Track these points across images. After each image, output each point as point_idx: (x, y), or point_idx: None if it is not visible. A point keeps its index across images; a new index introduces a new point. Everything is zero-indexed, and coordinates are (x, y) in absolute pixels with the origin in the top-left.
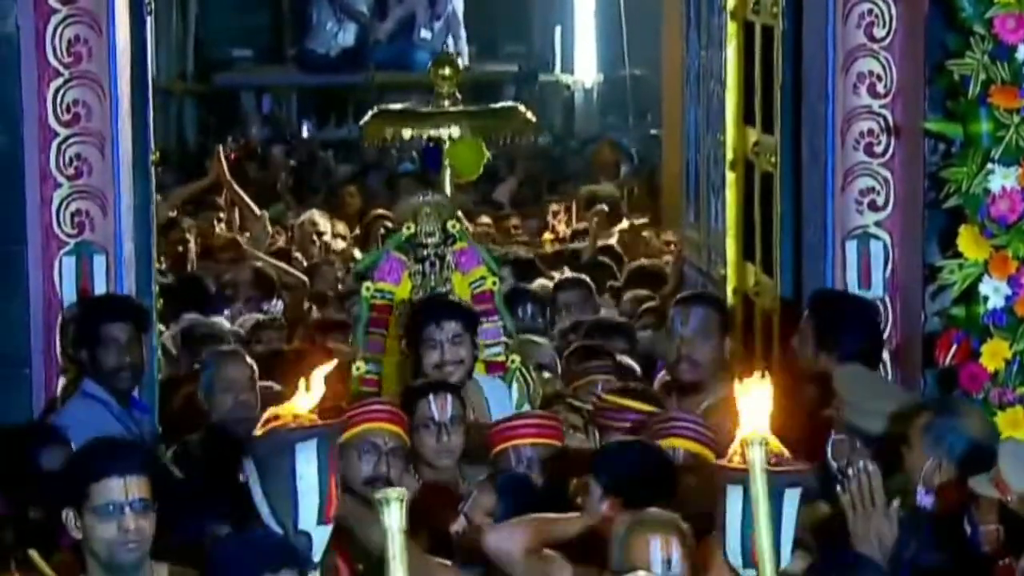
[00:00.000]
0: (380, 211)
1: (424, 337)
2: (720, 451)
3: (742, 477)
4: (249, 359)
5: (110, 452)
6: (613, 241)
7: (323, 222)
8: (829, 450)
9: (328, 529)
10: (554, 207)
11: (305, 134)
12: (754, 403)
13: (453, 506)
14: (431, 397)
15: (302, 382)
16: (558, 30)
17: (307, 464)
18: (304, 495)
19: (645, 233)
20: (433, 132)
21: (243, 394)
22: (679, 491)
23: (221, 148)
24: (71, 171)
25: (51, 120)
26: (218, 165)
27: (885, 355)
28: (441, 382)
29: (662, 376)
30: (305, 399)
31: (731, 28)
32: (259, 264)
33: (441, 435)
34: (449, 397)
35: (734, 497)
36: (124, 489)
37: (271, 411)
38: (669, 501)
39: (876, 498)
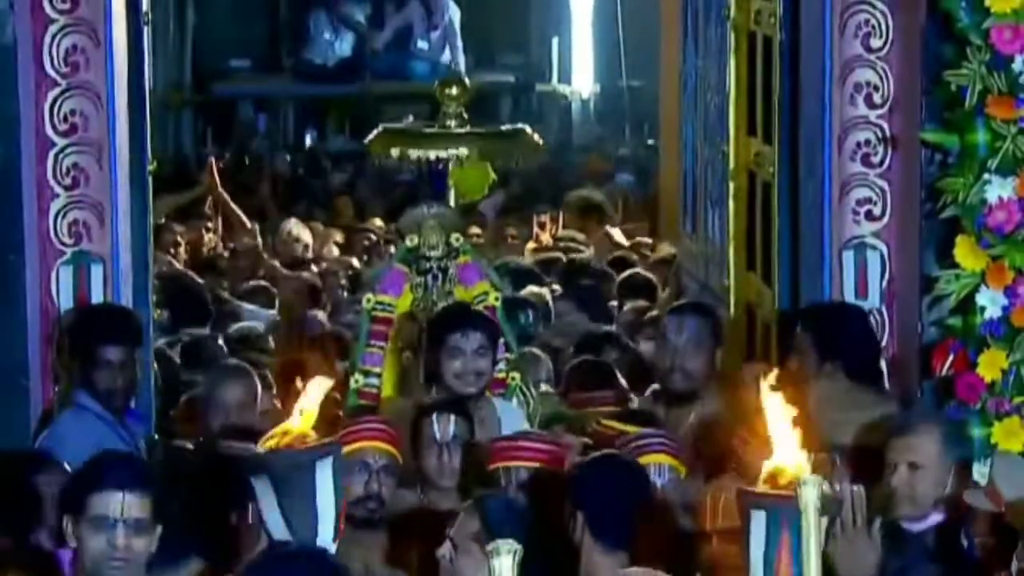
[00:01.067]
0: (366, 224)
1: (449, 344)
2: (704, 462)
3: (765, 502)
4: (253, 376)
5: (114, 465)
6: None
7: (302, 232)
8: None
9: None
10: (540, 217)
11: (306, 144)
12: (782, 421)
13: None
14: (434, 417)
15: (301, 399)
16: (555, 41)
17: (325, 481)
18: (323, 512)
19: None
20: (442, 154)
21: (235, 415)
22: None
23: (213, 160)
24: (68, 181)
25: (48, 130)
26: (210, 176)
27: (882, 363)
28: (447, 401)
29: (653, 386)
30: (300, 415)
31: (733, 38)
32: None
33: (442, 455)
34: (452, 417)
35: (757, 522)
36: (121, 505)
37: (276, 429)
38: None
39: (858, 519)
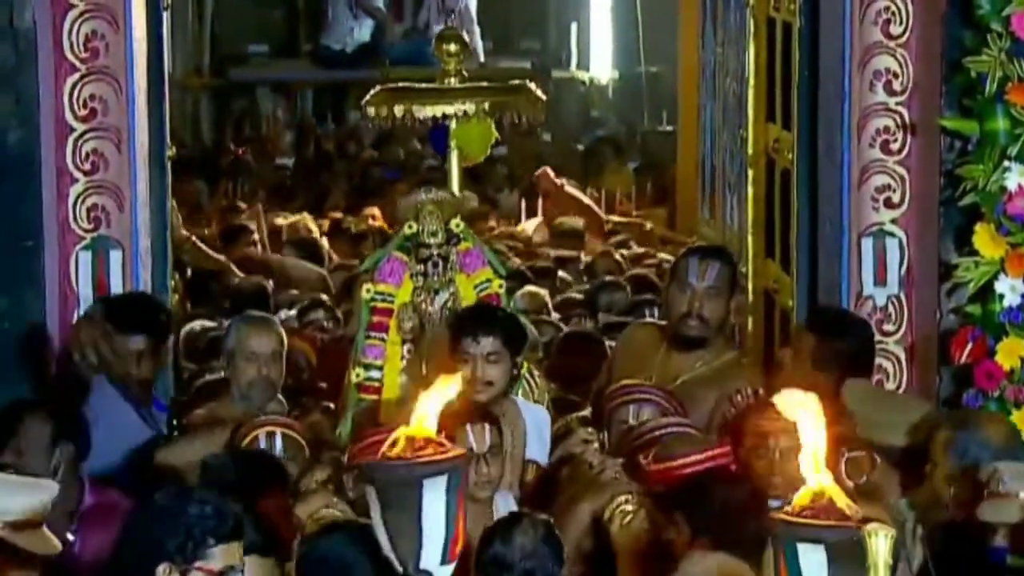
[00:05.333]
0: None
1: (460, 348)
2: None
3: (776, 527)
4: (280, 329)
5: (221, 514)
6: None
7: (314, 226)
8: (844, 468)
9: (451, 568)
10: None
11: (322, 128)
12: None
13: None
14: (468, 428)
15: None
16: (574, 26)
17: (435, 502)
18: (429, 533)
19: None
20: (443, 108)
21: (266, 367)
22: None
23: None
24: (87, 166)
25: (68, 115)
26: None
27: (901, 353)
28: (482, 412)
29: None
30: (428, 418)
31: (753, 25)
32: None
33: (480, 467)
34: (487, 427)
35: (770, 548)
36: (238, 553)
37: (400, 431)
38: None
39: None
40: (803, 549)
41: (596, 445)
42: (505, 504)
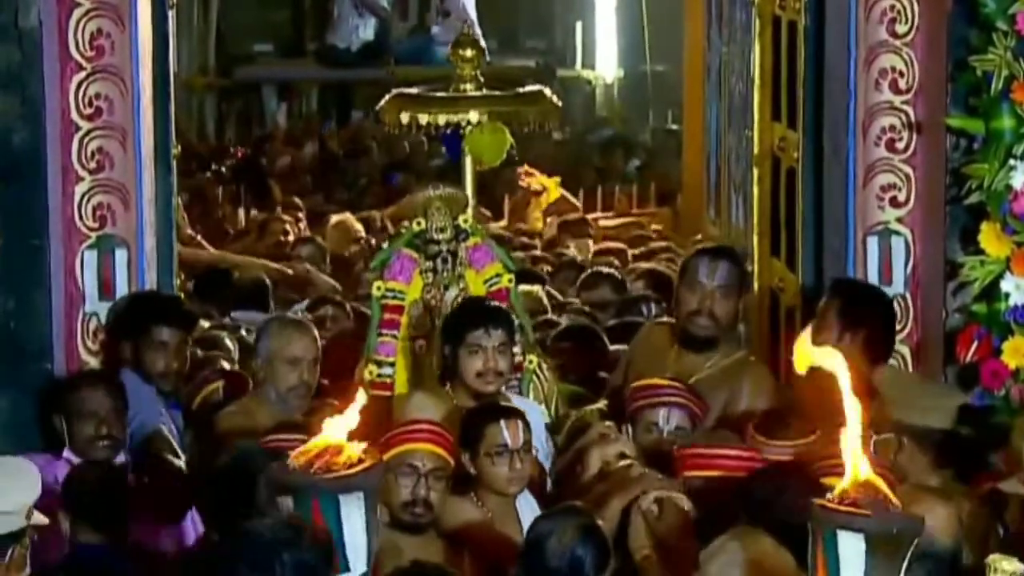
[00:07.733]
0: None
1: (469, 341)
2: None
3: (816, 513)
4: (316, 334)
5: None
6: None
7: (359, 226)
8: (871, 450)
9: None
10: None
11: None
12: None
13: (509, 541)
14: (503, 423)
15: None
16: (579, 25)
17: (374, 509)
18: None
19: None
20: (453, 117)
21: (307, 373)
22: None
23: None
24: (93, 165)
25: (73, 114)
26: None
27: (905, 350)
28: (510, 407)
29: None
30: (340, 429)
31: (758, 24)
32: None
33: (514, 462)
34: (520, 423)
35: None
36: None
37: (312, 445)
38: None
39: None
40: (843, 537)
41: (614, 435)
42: (527, 503)
